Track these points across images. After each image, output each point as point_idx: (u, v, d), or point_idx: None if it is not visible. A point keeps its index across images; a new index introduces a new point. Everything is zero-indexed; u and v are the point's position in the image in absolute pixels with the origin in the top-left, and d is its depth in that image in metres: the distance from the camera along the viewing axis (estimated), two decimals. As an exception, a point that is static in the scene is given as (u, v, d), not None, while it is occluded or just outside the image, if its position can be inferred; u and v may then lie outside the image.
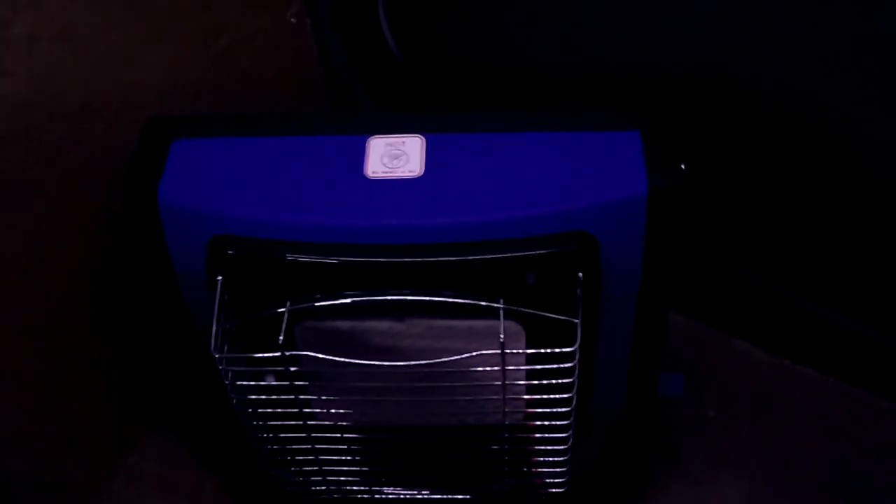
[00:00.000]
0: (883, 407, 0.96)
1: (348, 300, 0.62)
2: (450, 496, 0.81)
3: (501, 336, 0.62)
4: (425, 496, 0.81)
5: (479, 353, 0.63)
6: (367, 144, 0.65)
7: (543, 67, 0.91)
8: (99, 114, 0.75)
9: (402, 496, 0.81)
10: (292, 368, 0.65)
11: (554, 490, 0.80)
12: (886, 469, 0.92)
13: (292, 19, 0.91)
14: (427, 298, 0.62)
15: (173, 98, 0.81)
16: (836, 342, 0.97)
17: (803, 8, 0.74)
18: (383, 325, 0.66)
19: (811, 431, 0.95)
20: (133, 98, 0.77)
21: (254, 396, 0.68)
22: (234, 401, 0.68)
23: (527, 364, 0.67)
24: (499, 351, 0.63)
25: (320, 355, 0.63)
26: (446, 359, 0.63)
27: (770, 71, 0.80)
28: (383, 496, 0.81)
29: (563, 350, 0.64)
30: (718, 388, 0.99)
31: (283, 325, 0.62)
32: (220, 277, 0.63)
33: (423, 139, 0.65)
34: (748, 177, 0.90)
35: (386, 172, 0.64)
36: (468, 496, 0.81)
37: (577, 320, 0.63)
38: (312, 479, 0.79)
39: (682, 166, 0.63)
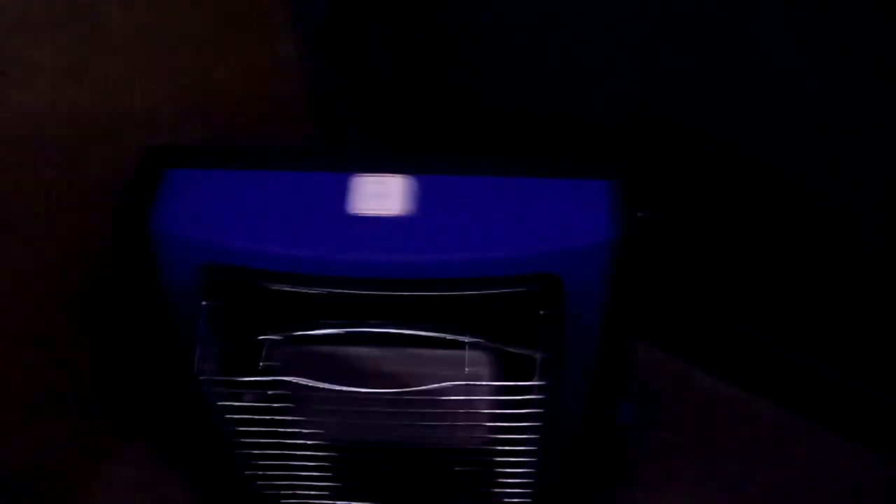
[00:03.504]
0: (831, 439, 1.01)
1: (325, 331, 0.66)
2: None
3: (466, 369, 0.66)
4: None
5: (445, 384, 0.67)
6: (352, 182, 0.68)
7: (529, 110, 0.95)
8: (98, 140, 0.78)
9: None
10: (271, 392, 0.69)
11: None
12: (825, 495, 0.97)
13: (283, 51, 0.95)
14: (398, 331, 0.66)
15: (168, 126, 0.84)
16: (788, 375, 1.01)
17: (779, 66, 0.79)
18: (361, 351, 0.70)
19: (761, 460, 1.00)
20: (130, 126, 0.80)
21: (235, 416, 0.72)
22: (216, 417, 0.72)
23: (494, 393, 0.71)
24: (463, 382, 0.67)
25: (298, 380, 0.67)
26: (413, 388, 0.67)
27: (746, 125, 0.85)
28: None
29: (525, 384, 0.68)
30: (674, 415, 1.03)
31: (264, 353, 0.66)
32: (207, 303, 0.67)
33: (406, 180, 0.69)
34: (710, 219, 0.95)
35: (369, 210, 0.67)
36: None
37: (537, 356, 0.67)
38: (288, 492, 0.82)
39: (643, 216, 0.68)
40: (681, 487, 0.98)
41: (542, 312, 0.67)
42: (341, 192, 0.68)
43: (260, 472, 0.80)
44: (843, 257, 0.89)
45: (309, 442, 0.76)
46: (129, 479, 0.97)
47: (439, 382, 0.67)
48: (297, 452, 0.77)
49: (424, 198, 0.68)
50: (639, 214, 0.68)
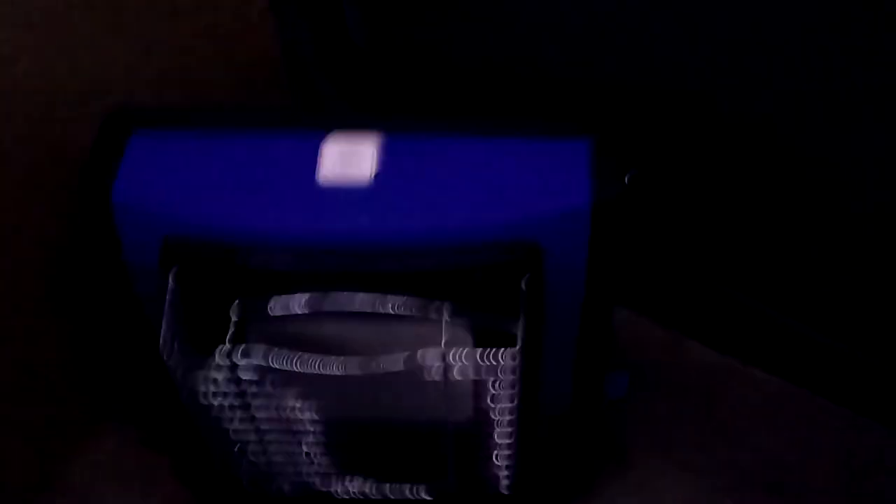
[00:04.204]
0: (827, 408, 0.99)
1: (295, 307, 0.64)
2: (397, 491, 0.83)
3: (444, 340, 0.63)
4: (373, 490, 0.83)
5: (419, 353, 0.65)
6: (322, 147, 0.66)
7: (504, 67, 0.92)
8: (60, 103, 0.75)
9: (350, 490, 0.83)
10: (241, 364, 0.66)
11: (499, 489, 0.82)
12: (826, 469, 0.95)
13: (255, 10, 0.91)
14: (368, 305, 0.64)
15: (136, 87, 0.81)
16: (784, 344, 0.99)
17: (765, 18, 0.76)
18: (333, 324, 0.68)
19: (757, 431, 0.98)
20: (95, 87, 0.77)
21: (202, 390, 0.70)
22: (183, 395, 0.70)
23: (473, 366, 0.68)
24: (441, 351, 0.65)
25: (255, 361, 0.65)
26: (368, 360, 0.65)
27: (730, 83, 0.82)
28: (332, 489, 0.83)
29: (505, 354, 0.66)
30: (668, 387, 1.01)
31: (231, 330, 0.63)
32: (171, 277, 0.64)
33: (376, 144, 0.66)
34: (700, 182, 0.92)
35: (338, 177, 0.65)
36: (416, 493, 0.82)
37: (516, 326, 0.64)
38: (262, 471, 0.80)
39: (627, 178, 0.65)
40: (680, 466, 0.95)
41: (520, 281, 0.64)
42: (307, 159, 0.65)
43: (236, 452, 0.77)
44: (842, 220, 0.86)
45: (284, 418, 0.74)
46: (108, 458, 0.95)
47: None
48: (270, 428, 0.75)
49: (397, 163, 0.65)
50: (621, 175, 0.65)
